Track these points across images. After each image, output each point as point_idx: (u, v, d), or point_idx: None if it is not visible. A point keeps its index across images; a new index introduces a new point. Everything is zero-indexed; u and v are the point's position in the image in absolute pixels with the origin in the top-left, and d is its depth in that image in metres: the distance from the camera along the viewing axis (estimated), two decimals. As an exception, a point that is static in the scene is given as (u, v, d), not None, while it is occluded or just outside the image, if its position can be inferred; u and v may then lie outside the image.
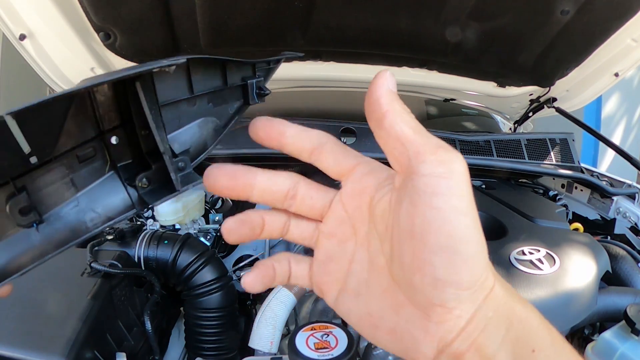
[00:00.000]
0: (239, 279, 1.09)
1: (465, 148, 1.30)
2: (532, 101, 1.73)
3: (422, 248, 0.22)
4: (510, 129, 1.99)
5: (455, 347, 0.23)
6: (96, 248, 0.85)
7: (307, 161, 0.28)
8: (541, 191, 1.47)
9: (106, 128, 0.30)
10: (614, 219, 1.28)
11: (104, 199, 0.30)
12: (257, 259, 1.48)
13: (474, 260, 0.23)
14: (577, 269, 0.79)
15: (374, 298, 0.26)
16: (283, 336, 0.83)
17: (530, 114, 1.80)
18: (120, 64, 1.27)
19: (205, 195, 1.33)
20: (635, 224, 1.20)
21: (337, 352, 0.56)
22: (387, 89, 0.24)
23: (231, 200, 1.46)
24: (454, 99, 1.82)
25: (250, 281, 0.29)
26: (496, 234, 0.93)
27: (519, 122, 1.89)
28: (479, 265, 0.23)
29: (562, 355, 0.25)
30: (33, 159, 0.25)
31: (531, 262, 0.78)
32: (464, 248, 0.22)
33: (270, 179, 0.28)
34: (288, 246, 1.52)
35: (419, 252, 0.23)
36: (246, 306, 1.18)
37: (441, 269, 0.22)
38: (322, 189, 0.29)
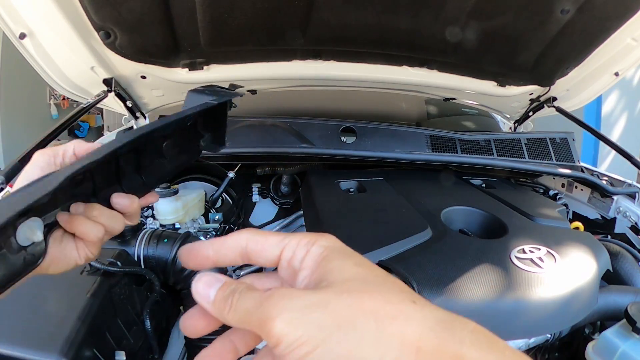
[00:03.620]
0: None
1: (466, 147, 1.30)
2: (532, 100, 1.73)
3: None
4: (511, 128, 1.99)
5: None
6: (96, 247, 0.84)
7: (242, 264, 0.33)
8: (541, 190, 1.47)
9: None
10: (614, 218, 1.28)
11: None
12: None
13: None
14: (578, 268, 0.79)
15: None
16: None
17: (531, 113, 1.80)
18: (120, 63, 1.27)
19: (205, 194, 1.33)
20: (636, 223, 1.20)
21: None
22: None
23: (231, 200, 1.45)
24: (454, 99, 1.81)
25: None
26: (496, 232, 0.93)
27: (519, 121, 1.89)
28: None
29: None
30: None
31: (532, 260, 0.78)
32: None
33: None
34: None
35: None
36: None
37: None
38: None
